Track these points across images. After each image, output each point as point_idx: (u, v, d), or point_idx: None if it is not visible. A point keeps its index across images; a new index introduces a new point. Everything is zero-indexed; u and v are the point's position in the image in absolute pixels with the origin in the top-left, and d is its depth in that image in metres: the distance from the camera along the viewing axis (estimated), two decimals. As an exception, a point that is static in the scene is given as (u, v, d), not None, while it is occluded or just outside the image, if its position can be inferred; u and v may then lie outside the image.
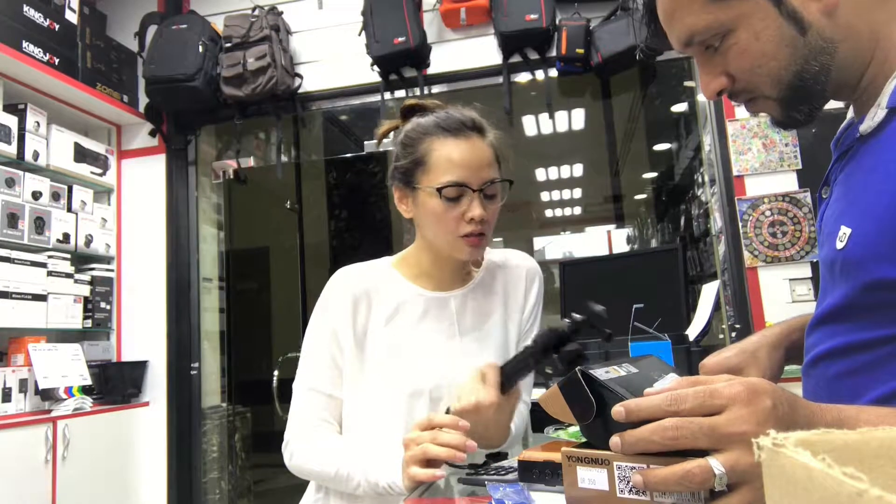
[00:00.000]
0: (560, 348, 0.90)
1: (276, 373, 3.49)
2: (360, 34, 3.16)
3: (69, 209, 3.09)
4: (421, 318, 1.17)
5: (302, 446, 1.14)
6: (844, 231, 0.69)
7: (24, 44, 2.79)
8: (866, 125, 0.72)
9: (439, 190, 1.11)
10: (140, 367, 3.29)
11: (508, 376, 0.97)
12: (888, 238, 0.64)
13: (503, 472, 0.92)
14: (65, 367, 2.85)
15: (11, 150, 2.76)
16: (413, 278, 1.21)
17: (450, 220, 1.11)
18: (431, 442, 0.93)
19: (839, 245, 0.70)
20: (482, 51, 3.21)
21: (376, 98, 3.30)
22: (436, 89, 3.33)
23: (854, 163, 0.74)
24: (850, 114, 0.81)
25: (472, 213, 1.10)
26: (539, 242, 6.62)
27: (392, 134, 1.26)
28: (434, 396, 1.13)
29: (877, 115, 0.70)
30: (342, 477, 1.08)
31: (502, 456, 1.07)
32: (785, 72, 0.72)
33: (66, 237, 3.02)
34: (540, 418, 1.11)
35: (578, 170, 6.04)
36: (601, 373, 0.69)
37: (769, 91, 0.74)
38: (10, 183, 2.74)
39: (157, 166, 3.47)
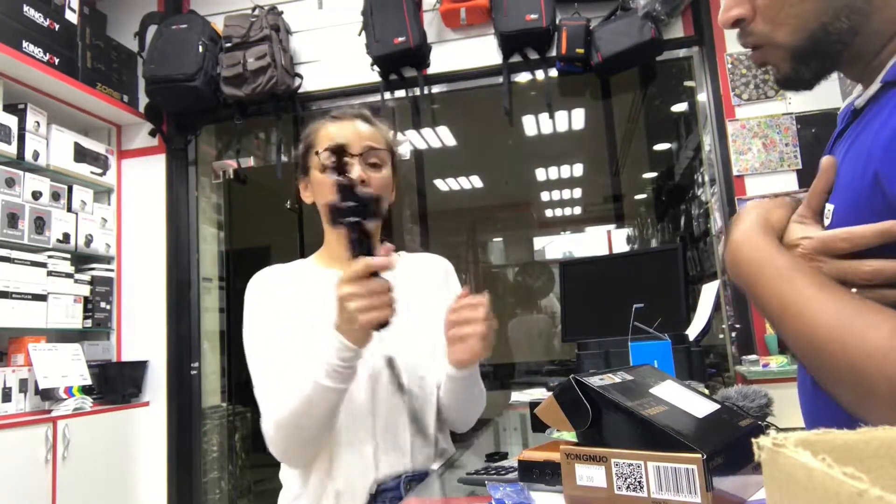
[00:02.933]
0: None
1: (276, 373, 3.48)
2: (360, 34, 3.16)
3: (69, 209, 3.09)
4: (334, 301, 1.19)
5: (271, 415, 1.11)
6: (829, 207, 0.69)
7: (24, 44, 2.79)
8: (860, 100, 0.71)
9: (317, 154, 1.20)
10: (140, 367, 3.29)
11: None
12: (858, 210, 0.64)
13: (503, 472, 0.92)
14: (65, 367, 2.85)
15: (11, 150, 2.76)
16: (326, 264, 1.27)
17: (329, 185, 1.14)
18: (366, 307, 0.98)
19: (825, 222, 0.70)
20: (482, 51, 3.21)
21: (376, 98, 3.30)
22: (436, 89, 3.33)
23: (846, 138, 0.74)
24: (857, 91, 0.78)
25: (352, 175, 1.14)
26: (539, 242, 6.62)
27: None
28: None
29: (871, 89, 0.69)
30: (312, 400, 1.05)
31: (502, 456, 1.07)
32: (813, 19, 0.69)
33: (66, 237, 3.02)
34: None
35: (578, 170, 6.04)
36: (595, 381, 0.70)
37: (786, 37, 0.71)
38: (10, 183, 2.74)
39: (157, 166, 3.47)
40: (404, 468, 1.16)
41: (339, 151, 1.06)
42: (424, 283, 1.31)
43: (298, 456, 1.16)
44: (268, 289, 1.24)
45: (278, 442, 1.12)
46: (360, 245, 1.01)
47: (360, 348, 1.03)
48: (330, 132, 1.23)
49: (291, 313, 1.20)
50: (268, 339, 1.18)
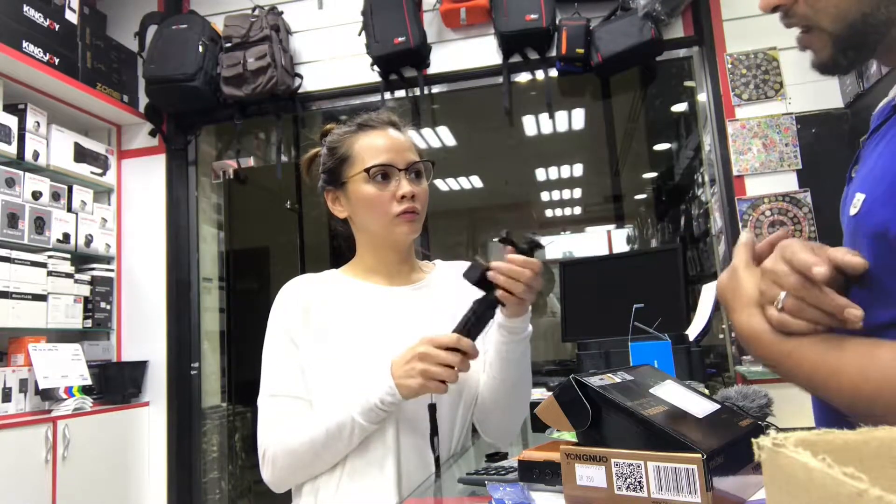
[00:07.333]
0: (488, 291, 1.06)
1: (276, 373, 3.48)
2: (360, 34, 3.16)
3: (69, 209, 3.09)
4: (375, 310, 1.19)
5: (279, 439, 1.10)
6: (858, 197, 0.69)
7: (24, 44, 2.79)
8: None
9: (367, 171, 1.17)
10: (140, 367, 3.29)
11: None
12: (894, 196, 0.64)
13: (503, 472, 0.92)
14: (65, 367, 2.85)
15: (11, 150, 2.76)
16: (362, 277, 1.25)
17: (383, 201, 1.17)
18: (434, 361, 1.02)
19: (853, 211, 0.70)
20: (482, 51, 3.21)
21: (376, 98, 3.30)
22: (436, 89, 3.33)
23: (883, 132, 0.73)
24: (893, 91, 0.79)
25: (402, 191, 1.16)
26: (539, 242, 6.60)
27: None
28: None
29: None
30: (332, 431, 1.06)
31: (502, 456, 1.07)
32: (854, 9, 0.70)
33: (66, 237, 3.02)
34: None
35: (578, 170, 6.04)
36: (595, 381, 0.70)
37: (828, 24, 0.72)
38: (10, 183, 2.74)
39: (157, 166, 3.47)
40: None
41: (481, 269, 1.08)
42: (453, 294, 1.25)
43: (293, 482, 1.14)
44: (296, 302, 1.18)
45: (281, 466, 1.10)
46: (473, 326, 1.06)
47: (404, 399, 1.04)
48: (375, 144, 1.19)
49: (322, 326, 1.16)
50: (282, 361, 1.15)
